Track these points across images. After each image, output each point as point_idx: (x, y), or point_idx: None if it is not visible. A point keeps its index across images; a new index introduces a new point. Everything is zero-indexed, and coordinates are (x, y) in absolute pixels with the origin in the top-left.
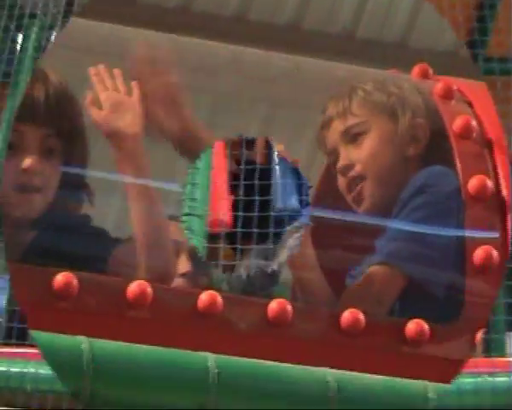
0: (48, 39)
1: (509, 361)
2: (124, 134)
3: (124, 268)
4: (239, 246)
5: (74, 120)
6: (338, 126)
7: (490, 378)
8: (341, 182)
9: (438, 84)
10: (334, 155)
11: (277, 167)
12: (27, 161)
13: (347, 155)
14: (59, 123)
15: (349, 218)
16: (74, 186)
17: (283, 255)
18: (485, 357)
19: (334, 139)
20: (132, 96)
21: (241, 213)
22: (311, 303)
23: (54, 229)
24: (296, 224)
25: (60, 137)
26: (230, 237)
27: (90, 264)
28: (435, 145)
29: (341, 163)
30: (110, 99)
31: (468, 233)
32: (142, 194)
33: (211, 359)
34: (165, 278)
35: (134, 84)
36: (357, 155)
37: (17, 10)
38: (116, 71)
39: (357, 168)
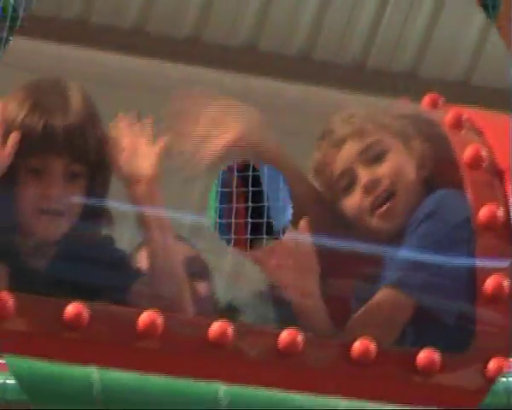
0: None
1: None
2: (137, 176)
3: (145, 300)
4: None
5: (97, 146)
6: (354, 146)
7: None
8: (361, 201)
9: (448, 114)
10: (348, 175)
11: None
12: (52, 188)
13: (371, 172)
14: (81, 150)
15: (356, 246)
16: (97, 211)
17: None
18: None
19: (349, 159)
20: (155, 146)
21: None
22: (317, 332)
23: (76, 253)
24: None
25: (83, 163)
26: None
27: (112, 292)
28: (445, 174)
29: (366, 180)
30: (130, 143)
31: (478, 262)
32: (158, 232)
33: (222, 389)
34: (180, 309)
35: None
36: (383, 172)
37: None
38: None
39: (385, 184)
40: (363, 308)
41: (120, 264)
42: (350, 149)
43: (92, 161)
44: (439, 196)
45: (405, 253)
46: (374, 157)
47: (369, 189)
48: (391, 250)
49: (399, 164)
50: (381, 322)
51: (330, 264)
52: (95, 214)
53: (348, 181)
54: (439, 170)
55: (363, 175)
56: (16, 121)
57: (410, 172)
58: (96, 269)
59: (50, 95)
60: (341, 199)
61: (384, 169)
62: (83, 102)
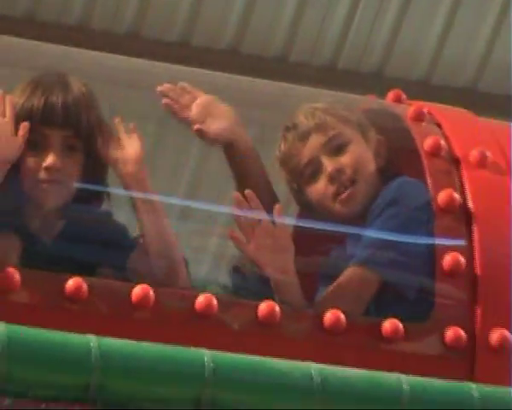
0: None
1: None
2: (125, 159)
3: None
4: None
5: (93, 123)
6: (318, 138)
7: None
8: (326, 188)
9: (410, 108)
10: (313, 165)
11: None
12: (50, 159)
13: (335, 162)
14: (78, 125)
15: (328, 226)
16: (95, 181)
17: None
18: None
19: (314, 150)
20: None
21: None
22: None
23: (78, 220)
24: None
25: (79, 137)
26: None
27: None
28: (406, 162)
29: (330, 169)
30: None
31: (437, 241)
32: (150, 210)
33: (207, 355)
34: (174, 282)
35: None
36: (346, 161)
37: None
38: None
39: (348, 172)
40: (334, 284)
41: (119, 236)
42: (314, 141)
43: (88, 137)
44: (399, 184)
45: (371, 234)
46: (336, 148)
47: (333, 177)
48: (355, 232)
49: (360, 154)
50: (350, 296)
51: (300, 244)
52: (93, 189)
53: (313, 170)
54: (400, 158)
55: (328, 165)
56: (19, 103)
57: (369, 161)
58: (96, 242)
59: (52, 79)
60: (307, 186)
61: (346, 159)
62: (81, 87)
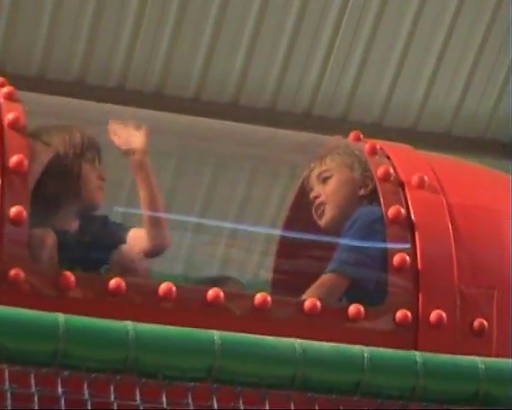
0: None
1: None
2: (134, 149)
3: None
4: None
5: None
6: (315, 172)
7: None
8: (313, 206)
9: (366, 145)
10: (312, 190)
11: None
12: (100, 169)
13: (318, 190)
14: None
15: (312, 236)
16: None
17: None
18: None
19: (312, 180)
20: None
21: None
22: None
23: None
24: None
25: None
26: None
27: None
28: (367, 187)
29: (313, 194)
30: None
31: (389, 245)
32: (148, 186)
33: (216, 334)
34: (163, 244)
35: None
36: (323, 190)
37: None
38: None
39: (322, 197)
40: (313, 286)
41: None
42: (314, 174)
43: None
44: (360, 210)
45: (344, 242)
46: (323, 180)
47: (313, 200)
48: (330, 240)
49: (335, 186)
50: (325, 296)
51: (292, 250)
52: None
53: (310, 195)
54: (364, 184)
55: (314, 191)
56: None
57: (341, 189)
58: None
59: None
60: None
61: (324, 188)
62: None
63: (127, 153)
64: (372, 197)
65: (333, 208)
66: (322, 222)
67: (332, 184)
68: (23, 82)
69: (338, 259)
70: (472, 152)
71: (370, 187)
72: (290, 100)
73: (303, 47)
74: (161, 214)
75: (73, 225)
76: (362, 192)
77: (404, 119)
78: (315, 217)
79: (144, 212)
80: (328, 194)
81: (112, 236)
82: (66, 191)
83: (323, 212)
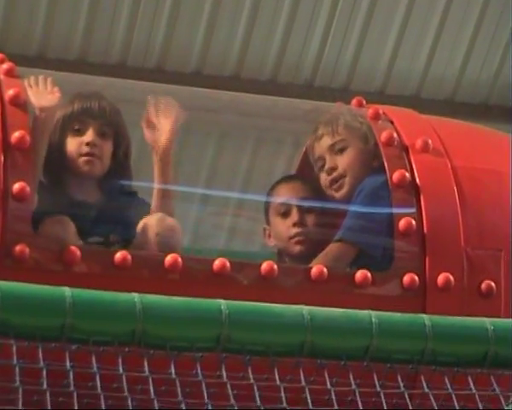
0: None
1: None
2: (159, 143)
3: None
4: None
5: (119, 122)
6: (326, 141)
7: None
8: (324, 179)
9: (369, 110)
10: (320, 160)
11: None
12: (89, 136)
13: (333, 161)
14: (109, 117)
15: (318, 204)
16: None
17: None
18: None
19: (322, 150)
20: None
21: None
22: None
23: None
24: None
25: (110, 126)
26: None
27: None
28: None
29: (328, 166)
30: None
31: (394, 209)
32: (164, 175)
33: (223, 304)
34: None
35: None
36: (341, 162)
37: None
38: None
39: (340, 170)
40: (320, 255)
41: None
42: (324, 143)
43: (116, 128)
44: (368, 178)
45: (354, 208)
46: (338, 150)
47: (329, 172)
48: (343, 210)
49: (353, 157)
50: (332, 266)
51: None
52: (122, 165)
53: (321, 164)
54: (375, 154)
55: (328, 163)
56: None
57: (358, 161)
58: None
59: (91, 94)
60: (318, 174)
61: (341, 160)
62: (111, 102)
63: (152, 146)
64: (379, 164)
65: (352, 181)
66: (340, 194)
67: (349, 156)
68: (23, 61)
69: (344, 227)
70: (475, 118)
71: (379, 155)
72: (292, 71)
73: (304, 18)
74: (169, 204)
75: (87, 197)
76: (374, 163)
77: (407, 86)
78: (328, 188)
79: (154, 200)
80: (346, 166)
81: (134, 212)
82: (55, 165)
83: (342, 185)
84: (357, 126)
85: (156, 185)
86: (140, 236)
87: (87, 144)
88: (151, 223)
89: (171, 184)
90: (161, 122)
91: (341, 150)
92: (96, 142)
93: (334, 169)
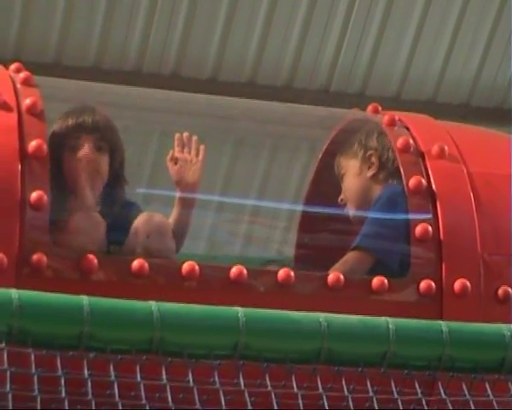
0: None
1: None
2: (186, 183)
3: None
4: None
5: (114, 134)
6: (355, 161)
7: None
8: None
9: (385, 117)
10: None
11: None
12: (85, 150)
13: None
14: (104, 131)
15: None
16: (119, 178)
17: None
18: None
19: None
20: (198, 157)
21: None
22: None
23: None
24: None
25: (106, 141)
26: None
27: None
28: (387, 158)
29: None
30: (182, 158)
31: (410, 216)
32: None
33: (240, 311)
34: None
35: (202, 148)
36: (343, 189)
37: None
38: (194, 137)
39: (342, 196)
40: (337, 263)
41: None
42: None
43: (112, 143)
44: (383, 188)
45: (366, 222)
46: (342, 179)
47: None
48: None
49: (348, 183)
50: (349, 274)
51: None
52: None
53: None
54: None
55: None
56: (63, 125)
57: (357, 180)
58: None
59: (83, 109)
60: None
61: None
62: (103, 115)
63: (177, 184)
64: (396, 171)
65: (353, 206)
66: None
67: (346, 182)
68: (39, 69)
69: (361, 234)
70: (490, 122)
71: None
72: (307, 77)
73: (319, 23)
74: (182, 242)
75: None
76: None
77: (422, 91)
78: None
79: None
80: (344, 193)
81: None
82: (57, 179)
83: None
84: (355, 147)
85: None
86: (131, 239)
87: (80, 158)
88: (140, 225)
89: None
90: (188, 160)
91: (342, 178)
92: (92, 155)
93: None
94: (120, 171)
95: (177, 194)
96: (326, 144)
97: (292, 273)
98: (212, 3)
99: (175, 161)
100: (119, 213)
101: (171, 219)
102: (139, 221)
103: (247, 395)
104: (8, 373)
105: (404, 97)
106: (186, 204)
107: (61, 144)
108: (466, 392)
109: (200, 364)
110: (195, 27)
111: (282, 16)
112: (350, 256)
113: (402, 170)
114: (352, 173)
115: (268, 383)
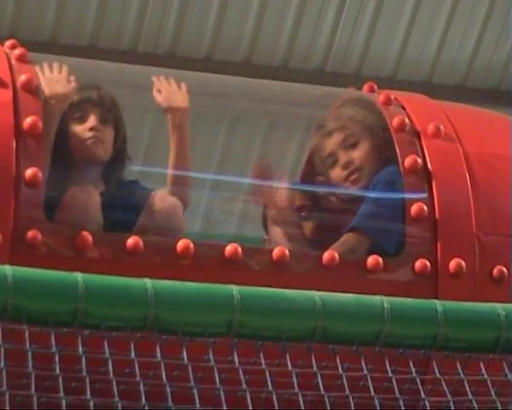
0: None
1: None
2: (176, 108)
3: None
4: None
5: (118, 111)
6: (338, 137)
7: None
8: (339, 174)
9: (380, 96)
10: (332, 156)
11: None
12: (92, 122)
13: (348, 155)
14: (109, 105)
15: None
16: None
17: None
18: None
19: (334, 146)
20: (181, 88)
21: None
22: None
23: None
24: None
25: (111, 113)
26: None
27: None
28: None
29: (343, 160)
30: (167, 87)
31: (406, 195)
32: (181, 146)
33: (235, 289)
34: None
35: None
36: (356, 155)
37: None
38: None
39: (357, 163)
40: (334, 245)
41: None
42: (335, 139)
43: (116, 116)
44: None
45: (363, 203)
46: (350, 146)
47: (345, 166)
48: (345, 192)
49: (367, 151)
50: (346, 254)
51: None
52: (122, 152)
53: (333, 161)
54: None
55: (342, 158)
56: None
57: (372, 154)
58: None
59: (89, 85)
60: (329, 171)
61: (356, 154)
62: (108, 91)
63: (168, 110)
64: (392, 151)
65: (367, 175)
66: (358, 187)
67: (363, 150)
68: (35, 47)
69: (358, 215)
70: (486, 103)
71: (391, 142)
72: (303, 57)
73: (315, 3)
74: (187, 174)
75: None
76: (387, 151)
77: (418, 72)
78: (343, 182)
79: (170, 170)
80: (361, 160)
81: (137, 198)
82: (61, 152)
83: (359, 179)
84: (367, 117)
85: (172, 155)
86: (144, 216)
87: (91, 129)
88: (154, 202)
89: (188, 152)
90: (173, 85)
91: (354, 145)
92: (99, 126)
93: (350, 163)
94: (123, 147)
95: (170, 120)
96: (315, 137)
97: (287, 252)
98: None
99: (160, 91)
100: (120, 190)
101: (172, 154)
102: (154, 199)
103: (241, 373)
104: (2, 349)
105: (400, 78)
106: (181, 129)
107: (67, 116)
108: (460, 371)
109: (195, 341)
110: (191, 6)
111: None
112: (348, 237)
113: (397, 149)
114: (370, 146)
115: (262, 361)
